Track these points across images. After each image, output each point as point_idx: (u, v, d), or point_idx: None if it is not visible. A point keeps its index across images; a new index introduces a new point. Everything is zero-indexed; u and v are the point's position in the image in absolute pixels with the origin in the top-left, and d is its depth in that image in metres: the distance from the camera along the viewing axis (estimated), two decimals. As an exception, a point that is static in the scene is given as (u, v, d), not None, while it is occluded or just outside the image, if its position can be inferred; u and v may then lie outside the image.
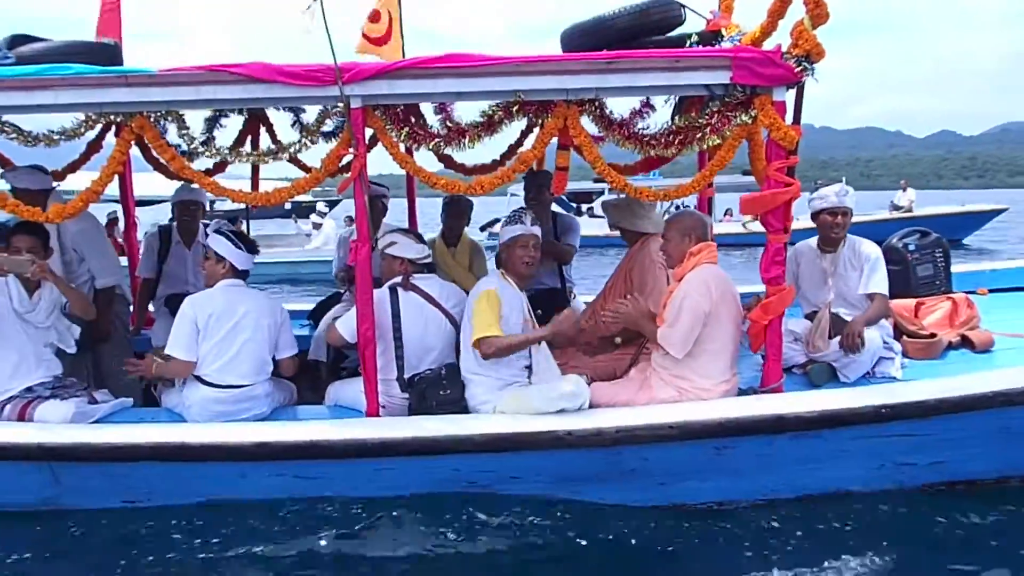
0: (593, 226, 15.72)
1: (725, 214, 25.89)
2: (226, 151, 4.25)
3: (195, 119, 4.64)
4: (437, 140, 4.16)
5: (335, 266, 6.07)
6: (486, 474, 4.19)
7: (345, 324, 4.42)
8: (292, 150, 4.21)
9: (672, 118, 4.34)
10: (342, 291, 5.80)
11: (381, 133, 4.14)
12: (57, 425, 4.23)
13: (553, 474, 4.21)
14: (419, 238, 4.59)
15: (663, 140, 4.14)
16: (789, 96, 4.08)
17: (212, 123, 4.84)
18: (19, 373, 4.39)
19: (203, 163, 4.76)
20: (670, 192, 4.27)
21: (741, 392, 4.36)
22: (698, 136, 4.13)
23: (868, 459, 4.27)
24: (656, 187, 4.29)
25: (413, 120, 4.23)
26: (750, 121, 4.09)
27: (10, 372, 4.37)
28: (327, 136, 4.53)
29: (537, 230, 4.36)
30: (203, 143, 4.27)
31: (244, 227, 6.34)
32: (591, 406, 4.24)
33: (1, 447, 4.12)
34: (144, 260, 5.73)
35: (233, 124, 5.21)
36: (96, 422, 4.34)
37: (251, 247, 4.44)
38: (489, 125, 4.12)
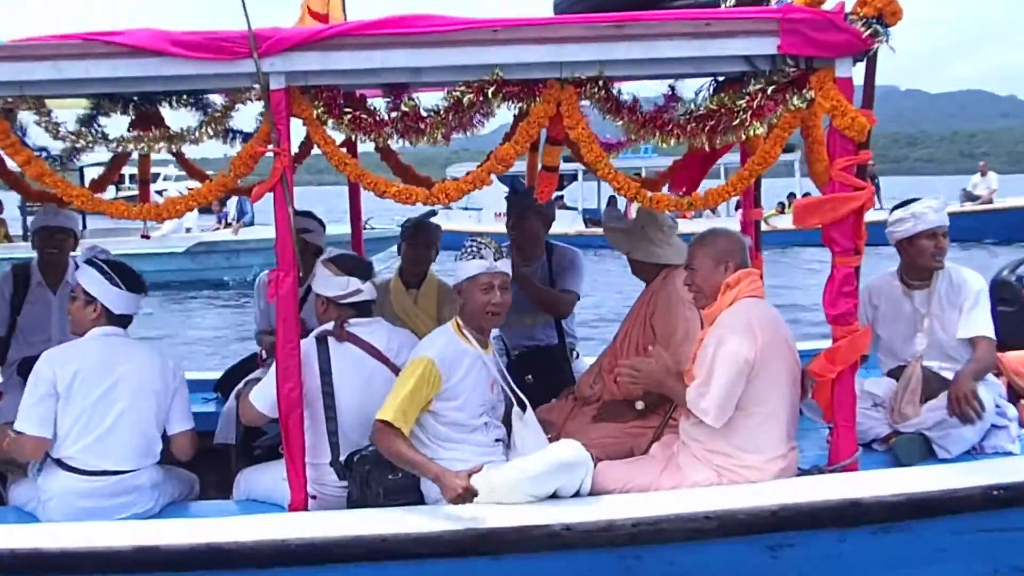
0: (564, 221, 15.69)
1: (738, 207, 26.09)
2: (93, 137, 4.30)
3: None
4: (388, 131, 4.21)
5: (257, 320, 6.09)
6: (456, 587, 4.16)
7: (262, 393, 4.43)
8: (193, 136, 4.25)
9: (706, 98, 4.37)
10: (263, 356, 5.80)
11: (312, 124, 4.21)
12: None
13: None
14: (355, 265, 4.60)
15: (688, 127, 4.20)
16: (857, 71, 4.16)
17: (88, 123, 4.85)
18: None
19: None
20: (697, 200, 4.33)
21: (802, 472, 4.38)
22: (735, 123, 4.18)
23: (975, 562, 4.28)
24: (670, 195, 4.38)
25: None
26: (804, 105, 4.16)
27: None
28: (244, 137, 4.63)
29: (506, 267, 4.39)
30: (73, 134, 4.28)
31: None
32: (597, 492, 4.24)
33: None
34: None
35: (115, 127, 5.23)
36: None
37: (134, 283, 4.46)
38: (457, 111, 4.18)
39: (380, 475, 4.28)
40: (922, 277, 4.94)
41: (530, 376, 5.40)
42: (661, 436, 4.72)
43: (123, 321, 4.46)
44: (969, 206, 23.58)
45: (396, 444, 4.12)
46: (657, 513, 4.05)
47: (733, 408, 4.23)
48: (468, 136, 4.41)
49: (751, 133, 4.26)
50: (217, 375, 6.40)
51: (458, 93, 4.16)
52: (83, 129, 4.44)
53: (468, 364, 4.31)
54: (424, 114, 4.22)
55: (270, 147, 4.15)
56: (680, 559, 4.14)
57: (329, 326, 4.52)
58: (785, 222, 19.35)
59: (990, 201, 24.24)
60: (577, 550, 4.03)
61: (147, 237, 18.24)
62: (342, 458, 4.39)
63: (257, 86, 4.10)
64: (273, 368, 4.32)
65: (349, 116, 4.20)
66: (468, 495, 3.95)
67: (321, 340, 4.46)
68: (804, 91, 4.14)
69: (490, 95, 4.15)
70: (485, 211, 27.86)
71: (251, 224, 21.81)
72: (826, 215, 4.17)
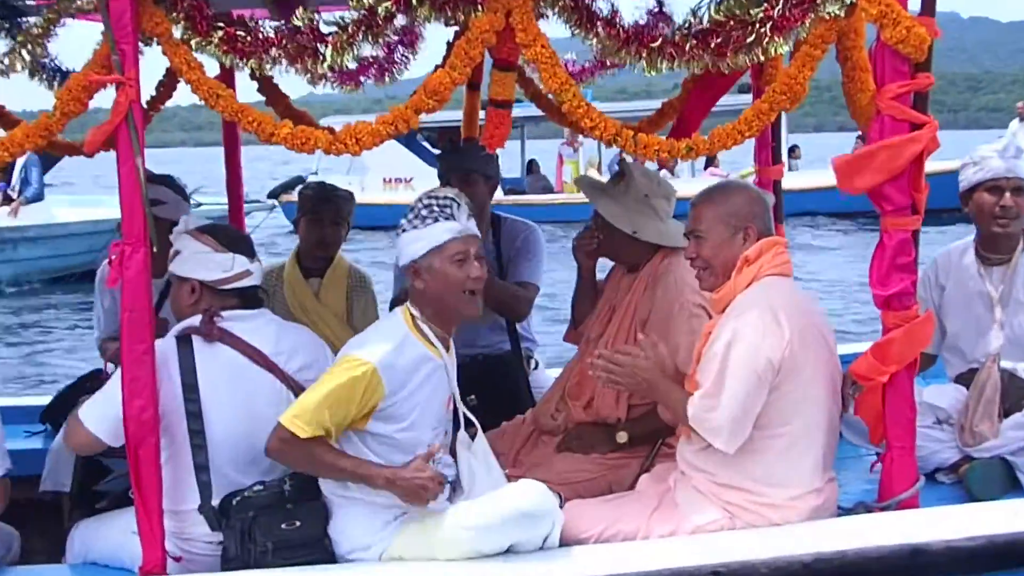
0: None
1: (708, 166, 27.05)
2: None
3: None
4: (274, 53, 3.97)
5: (98, 324, 5.85)
6: None
7: (97, 409, 4.22)
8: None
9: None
10: (108, 372, 5.56)
11: (168, 44, 4.01)
12: None
13: None
14: (237, 237, 4.41)
15: (686, 46, 3.97)
16: None
17: None
18: None
19: None
20: (700, 144, 4.15)
21: (843, 512, 4.24)
22: (750, 40, 3.96)
23: None
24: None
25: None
26: (842, 13, 3.98)
27: None
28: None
29: (476, 228, 4.23)
30: None
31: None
32: (568, 541, 4.07)
33: None
34: None
35: None
36: None
37: None
38: (370, 27, 3.96)
39: (269, 524, 4.07)
40: (1001, 248, 4.82)
41: (473, 396, 5.16)
42: (651, 467, 4.59)
43: None
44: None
45: (311, 452, 3.92)
46: (648, 569, 3.87)
47: (751, 427, 4.04)
48: (388, 83, 4.23)
49: (771, 52, 4.07)
50: (45, 401, 6.11)
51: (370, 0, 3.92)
52: None
53: (425, 373, 4.11)
54: (325, 31, 3.99)
55: (111, 75, 3.91)
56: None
57: (195, 321, 4.27)
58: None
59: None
60: None
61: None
62: (215, 502, 4.17)
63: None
64: (114, 378, 4.12)
65: (221, 34, 3.95)
66: (436, 485, 3.88)
67: (184, 341, 4.24)
68: None
69: (415, 3, 3.91)
70: (371, 175, 27.52)
71: (37, 199, 20.00)
72: (880, 170, 3.98)
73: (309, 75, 4.13)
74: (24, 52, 4.12)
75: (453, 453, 4.23)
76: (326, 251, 5.81)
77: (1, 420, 5.05)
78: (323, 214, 5.74)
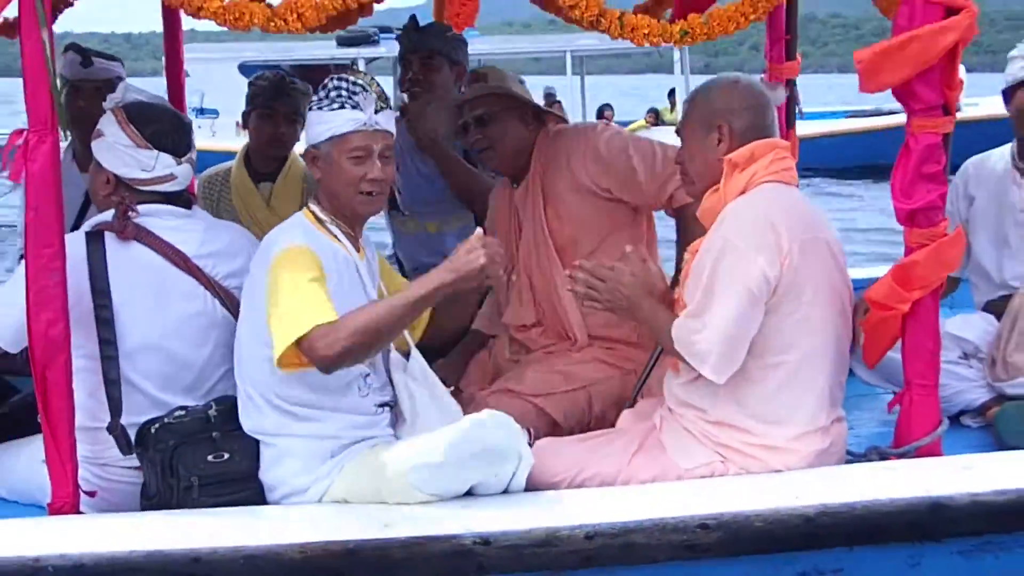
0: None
1: (602, 112, 26.75)
2: None
3: None
4: None
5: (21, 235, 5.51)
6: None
7: None
8: None
9: None
10: None
11: None
12: None
13: None
14: (169, 128, 4.00)
15: None
16: None
17: None
18: None
19: None
20: (697, 27, 3.76)
21: (853, 458, 3.91)
22: None
23: None
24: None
25: None
26: None
27: None
28: None
29: (389, 123, 3.90)
30: None
31: None
32: (537, 484, 3.74)
33: None
34: None
35: None
36: None
37: None
38: None
39: (193, 455, 3.76)
40: None
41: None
42: (636, 400, 4.26)
43: None
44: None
45: (345, 328, 3.53)
46: (626, 519, 3.50)
47: (743, 355, 3.67)
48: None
49: None
50: None
51: None
52: None
53: (340, 270, 3.81)
54: None
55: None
56: (663, 588, 3.70)
57: (108, 216, 3.93)
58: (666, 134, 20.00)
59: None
60: (500, 574, 3.55)
61: None
62: (130, 421, 3.84)
63: None
64: (16, 276, 3.80)
65: None
66: (495, 252, 3.61)
67: (94, 238, 3.89)
68: None
69: None
70: (222, 118, 25.57)
71: None
72: (911, 63, 3.59)
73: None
74: None
75: (389, 377, 3.95)
76: (276, 151, 5.50)
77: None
78: (278, 108, 5.40)
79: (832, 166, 24.75)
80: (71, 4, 5.34)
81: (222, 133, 23.10)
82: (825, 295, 3.72)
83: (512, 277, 4.19)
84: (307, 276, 3.65)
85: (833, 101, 28.50)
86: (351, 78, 3.81)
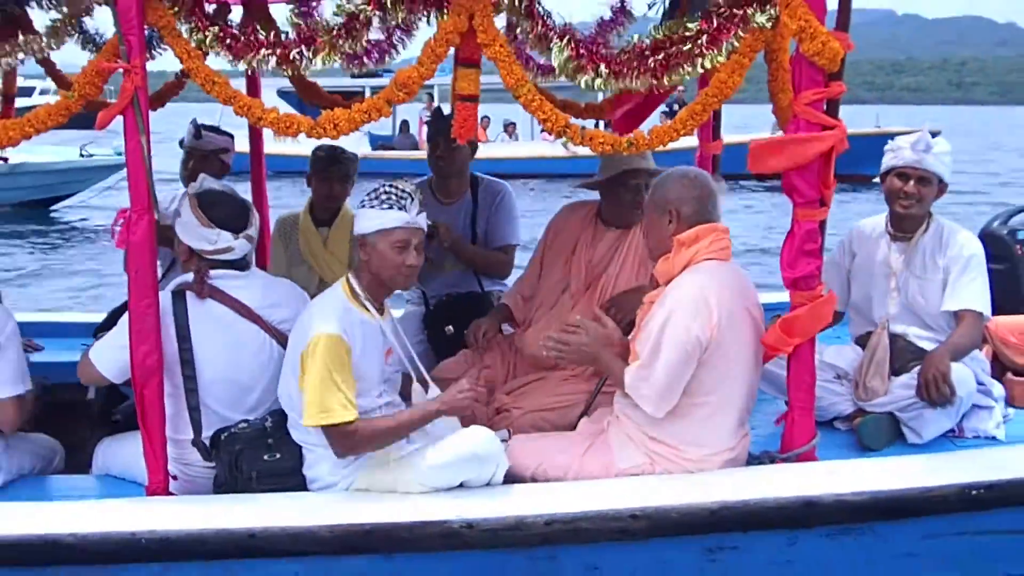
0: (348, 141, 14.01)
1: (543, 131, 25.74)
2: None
3: None
4: (267, 52, 3.45)
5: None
6: (337, 591, 3.60)
7: (104, 351, 3.81)
8: (29, 48, 3.50)
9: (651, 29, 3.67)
10: None
11: (170, 35, 3.49)
12: None
13: None
14: (229, 213, 3.86)
15: (634, 61, 3.46)
16: None
17: None
18: None
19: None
20: (640, 139, 3.60)
21: (751, 459, 3.81)
22: (687, 49, 3.45)
23: (948, 569, 3.76)
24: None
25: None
26: (768, 25, 3.45)
27: None
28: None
29: (424, 221, 3.73)
30: None
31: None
32: (509, 472, 3.69)
33: None
34: None
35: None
36: None
37: None
38: (350, 29, 3.44)
39: (252, 456, 3.67)
40: (904, 227, 4.34)
41: (450, 327, 4.85)
42: (590, 410, 4.12)
43: None
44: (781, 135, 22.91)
45: (362, 436, 3.52)
46: (575, 509, 3.46)
47: (678, 397, 3.60)
48: (388, 63, 3.68)
49: (708, 65, 3.51)
50: (100, 317, 5.54)
51: (352, 6, 3.42)
52: None
53: (364, 335, 3.66)
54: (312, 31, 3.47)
55: (119, 63, 3.42)
56: (603, 561, 3.58)
57: (188, 277, 3.82)
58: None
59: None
60: (481, 550, 3.48)
61: (4, 159, 16.34)
62: (206, 435, 3.76)
63: (100, -15, 3.32)
64: (122, 323, 3.70)
65: (216, 31, 3.45)
66: (477, 392, 3.53)
67: (178, 296, 3.77)
68: (767, 8, 3.43)
69: (388, 6, 3.40)
70: (265, 133, 25.91)
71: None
72: (788, 159, 3.49)
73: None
74: (67, 29, 3.60)
75: (407, 398, 3.84)
76: (331, 204, 5.32)
77: (64, 333, 4.65)
78: (332, 173, 5.23)
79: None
80: (177, 94, 5.21)
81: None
82: (744, 350, 3.64)
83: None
84: (334, 370, 3.50)
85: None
86: (400, 185, 3.65)
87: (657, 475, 3.65)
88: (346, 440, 3.50)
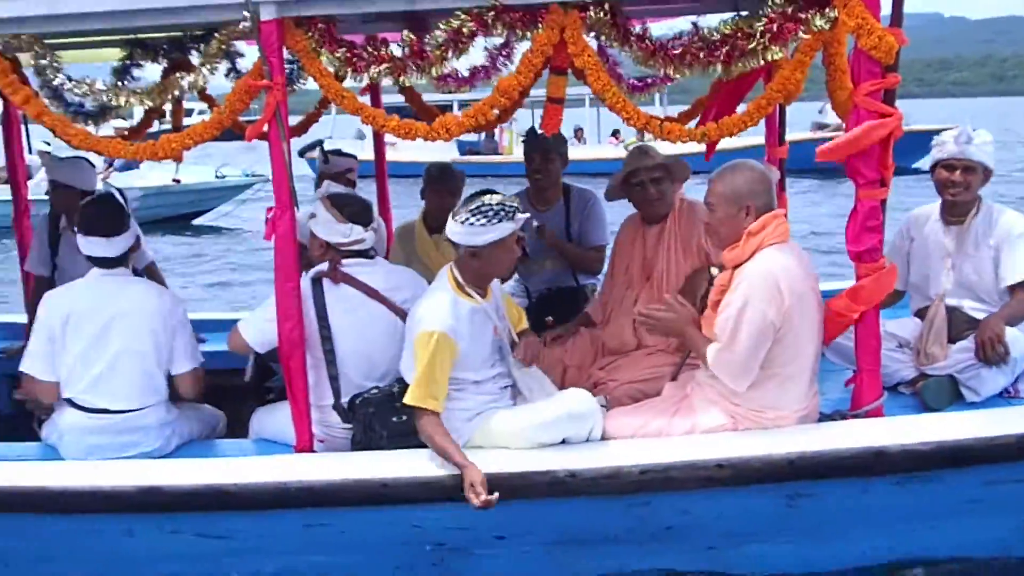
0: (434, 149, 13.03)
1: (612, 135, 25.08)
2: (101, 89, 3.63)
3: (100, 74, 4.09)
4: (386, 66, 3.49)
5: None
6: (458, 533, 3.58)
7: (251, 324, 3.84)
8: (189, 83, 3.57)
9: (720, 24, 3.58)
10: None
11: (306, 57, 3.52)
12: None
13: (552, 532, 3.59)
14: (358, 210, 3.88)
15: (702, 54, 3.38)
16: None
17: (122, 74, 4.26)
18: None
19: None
20: (712, 130, 3.52)
21: (824, 417, 3.65)
22: (751, 48, 3.36)
23: (1006, 514, 3.62)
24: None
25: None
26: (827, 25, 3.34)
27: None
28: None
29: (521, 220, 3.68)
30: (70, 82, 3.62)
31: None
32: (610, 438, 3.61)
33: None
34: (33, 251, 5.15)
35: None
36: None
37: (111, 225, 3.81)
38: (456, 43, 3.45)
39: (383, 418, 3.66)
40: (956, 213, 4.15)
41: (551, 317, 4.73)
42: (676, 377, 3.97)
43: (110, 262, 3.81)
44: (819, 133, 22.03)
45: (426, 428, 3.46)
46: (666, 460, 3.40)
47: (756, 372, 3.48)
48: (494, 81, 3.62)
49: (769, 58, 3.41)
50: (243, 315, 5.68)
51: (455, 23, 3.41)
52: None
53: (472, 321, 3.61)
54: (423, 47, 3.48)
55: (263, 82, 3.46)
56: (693, 507, 3.51)
57: (324, 266, 3.83)
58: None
59: (839, 129, 22.82)
60: (583, 497, 3.43)
61: (178, 181, 16.99)
62: (344, 400, 3.76)
63: (248, 15, 3.37)
64: (268, 302, 3.74)
65: (344, 51, 3.49)
66: (482, 501, 3.26)
67: (316, 282, 3.79)
68: (826, 10, 3.32)
69: (490, 23, 3.40)
70: (368, 140, 25.74)
71: (128, 168, 17.19)
72: (852, 146, 3.38)
73: (432, 80, 3.58)
74: (210, 66, 3.65)
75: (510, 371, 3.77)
76: (442, 214, 5.22)
77: (223, 328, 4.71)
78: (443, 187, 5.20)
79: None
80: (317, 120, 5.38)
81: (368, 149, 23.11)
82: (810, 324, 3.51)
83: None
84: (437, 366, 3.44)
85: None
86: (506, 201, 3.53)
87: (740, 432, 3.53)
88: (424, 424, 3.45)
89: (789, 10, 3.33)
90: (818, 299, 3.58)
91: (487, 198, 3.52)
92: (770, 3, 3.32)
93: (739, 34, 3.37)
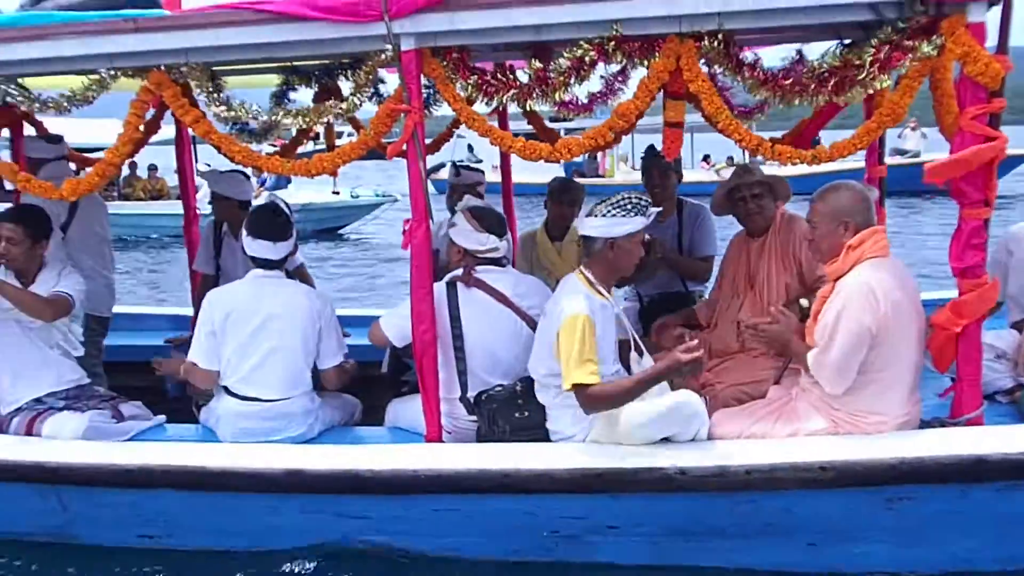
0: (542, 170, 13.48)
1: (703, 160, 24.49)
2: (262, 112, 3.74)
3: (259, 97, 4.25)
4: (512, 91, 3.51)
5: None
6: (572, 521, 3.57)
7: (391, 320, 3.92)
8: (342, 108, 3.65)
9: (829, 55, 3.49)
10: None
11: (441, 83, 3.57)
12: (64, 442, 3.88)
13: (661, 525, 3.55)
14: (494, 222, 3.90)
15: (812, 84, 3.32)
16: (991, 16, 3.24)
17: (280, 98, 4.41)
18: (21, 381, 4.07)
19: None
20: (822, 153, 3.43)
21: (924, 424, 3.52)
22: (860, 77, 3.28)
23: None
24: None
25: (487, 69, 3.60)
26: (935, 53, 3.23)
27: (10, 380, 4.06)
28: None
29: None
30: (225, 105, 3.74)
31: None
32: (716, 439, 3.54)
33: (2, 466, 3.79)
34: (200, 252, 5.39)
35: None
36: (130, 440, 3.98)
37: (278, 232, 3.93)
38: (579, 70, 3.45)
39: (506, 413, 3.69)
40: None
41: (660, 320, 4.66)
42: (779, 380, 3.89)
43: (271, 264, 3.93)
44: (899, 159, 21.00)
45: (599, 394, 3.43)
46: (771, 461, 3.32)
47: (854, 375, 3.37)
48: (609, 107, 3.62)
49: (878, 87, 3.34)
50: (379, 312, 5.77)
51: (578, 51, 3.41)
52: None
53: (603, 316, 3.59)
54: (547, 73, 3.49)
55: (403, 106, 3.53)
56: (795, 506, 3.41)
57: (458, 272, 3.88)
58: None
59: (918, 155, 21.70)
60: (691, 493, 3.39)
61: (337, 193, 17.95)
62: (471, 395, 3.80)
63: (390, 47, 3.44)
64: (404, 302, 3.82)
65: (476, 78, 3.54)
66: (693, 356, 3.32)
67: (451, 286, 3.84)
68: (934, 38, 3.22)
69: (610, 51, 3.40)
70: (485, 163, 25.68)
71: (277, 188, 17.44)
72: (959, 168, 3.26)
73: (554, 105, 3.58)
74: (361, 94, 3.72)
75: (627, 367, 3.71)
76: (563, 223, 5.28)
77: (357, 324, 4.84)
78: (564, 199, 5.20)
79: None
80: (448, 140, 5.45)
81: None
82: (909, 333, 3.39)
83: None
84: (584, 343, 3.42)
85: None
86: (639, 197, 3.56)
87: (841, 435, 3.43)
88: (592, 400, 3.43)
89: (896, 39, 3.24)
90: (917, 309, 3.46)
91: (626, 194, 3.56)
92: (881, 33, 3.23)
93: (847, 65, 3.30)
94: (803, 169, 3.86)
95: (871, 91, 3.38)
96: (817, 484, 3.27)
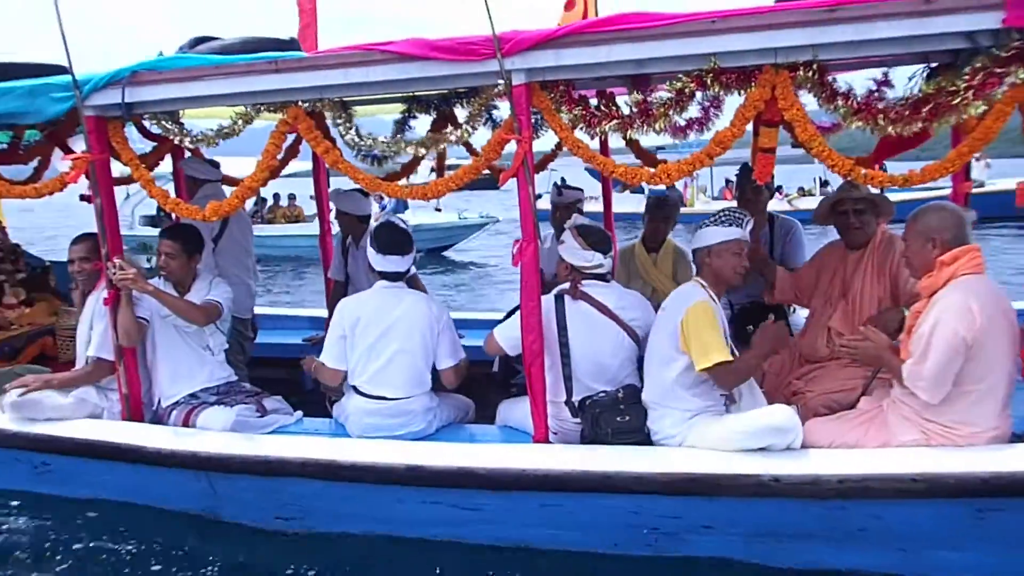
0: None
1: (776, 190, 23.21)
2: (384, 142, 3.79)
3: (380, 125, 4.35)
4: (616, 121, 3.48)
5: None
6: (670, 520, 3.54)
7: (504, 332, 3.96)
8: (456, 136, 3.68)
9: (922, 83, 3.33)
10: None
11: (549, 114, 3.58)
12: (215, 433, 4.06)
13: (754, 527, 3.48)
14: (600, 240, 3.89)
15: (905, 112, 3.18)
16: None
17: (401, 125, 4.49)
18: (179, 379, 4.30)
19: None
20: (914, 176, 3.29)
21: (1015, 438, 3.35)
22: (954, 103, 3.12)
23: None
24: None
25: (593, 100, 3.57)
26: (1028, 78, 3.06)
27: (169, 378, 4.30)
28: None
29: (748, 235, 3.68)
30: (357, 135, 3.80)
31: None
32: (809, 447, 3.45)
33: (163, 453, 4.04)
34: (334, 261, 5.60)
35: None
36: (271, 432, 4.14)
37: (405, 247, 4.03)
38: (679, 101, 3.40)
39: (609, 417, 3.68)
40: None
41: (751, 326, 4.55)
42: (870, 390, 3.75)
43: (393, 276, 4.03)
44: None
45: (730, 372, 3.49)
46: (864, 471, 3.23)
47: (950, 384, 3.23)
48: (706, 134, 3.52)
49: (972, 113, 3.17)
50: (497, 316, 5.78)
51: (678, 83, 3.36)
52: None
53: (719, 312, 3.61)
54: (648, 104, 3.44)
55: (513, 135, 3.54)
56: (885, 513, 3.30)
57: (566, 286, 3.88)
58: (808, 203, 19.00)
59: (982, 185, 20.42)
60: (785, 499, 3.31)
61: (439, 210, 18.82)
62: (575, 399, 3.80)
63: (502, 82, 3.45)
64: (516, 315, 3.85)
65: (579, 110, 3.53)
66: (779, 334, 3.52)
67: (559, 298, 3.85)
68: None
69: (708, 82, 3.33)
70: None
71: (396, 211, 17.83)
72: None
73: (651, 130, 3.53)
74: (475, 122, 3.74)
75: None
76: (659, 236, 5.23)
77: (476, 327, 4.89)
78: (660, 214, 5.16)
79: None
80: (553, 160, 5.44)
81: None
82: (1003, 346, 3.23)
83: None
84: (712, 324, 3.48)
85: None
86: (738, 211, 3.63)
87: (933, 447, 3.29)
88: (727, 375, 3.47)
89: (990, 65, 3.08)
90: (1011, 323, 3.29)
91: (727, 209, 3.64)
92: (976, 61, 3.07)
93: (941, 92, 3.15)
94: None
95: (964, 117, 3.21)
96: (908, 494, 3.16)
